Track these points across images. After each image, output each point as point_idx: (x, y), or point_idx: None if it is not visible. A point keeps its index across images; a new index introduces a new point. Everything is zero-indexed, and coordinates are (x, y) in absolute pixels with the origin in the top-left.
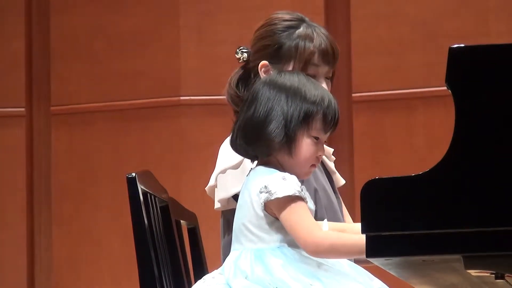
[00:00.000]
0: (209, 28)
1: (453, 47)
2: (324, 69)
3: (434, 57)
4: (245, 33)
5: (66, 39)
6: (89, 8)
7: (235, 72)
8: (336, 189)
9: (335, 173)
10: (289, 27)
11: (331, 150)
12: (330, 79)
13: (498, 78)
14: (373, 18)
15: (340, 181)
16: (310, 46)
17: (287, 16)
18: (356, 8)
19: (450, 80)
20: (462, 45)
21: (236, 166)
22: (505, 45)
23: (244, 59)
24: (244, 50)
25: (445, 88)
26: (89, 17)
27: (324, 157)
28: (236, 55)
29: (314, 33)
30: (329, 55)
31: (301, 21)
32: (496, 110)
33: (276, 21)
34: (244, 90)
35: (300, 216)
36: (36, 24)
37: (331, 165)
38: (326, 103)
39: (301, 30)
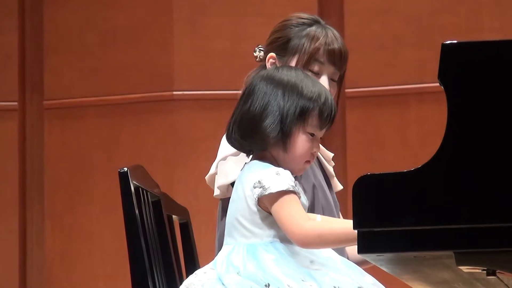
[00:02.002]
0: (202, 22)
1: (446, 43)
2: (329, 69)
3: (428, 53)
4: (238, 27)
5: (59, 33)
6: (82, 2)
7: (252, 71)
8: (334, 194)
9: (334, 177)
10: (302, 24)
11: (331, 155)
12: (336, 82)
13: (490, 74)
14: (367, 13)
15: (338, 186)
16: (316, 42)
17: (304, 15)
18: (350, 3)
19: (442, 76)
20: (455, 41)
21: (236, 153)
22: (497, 42)
23: (261, 58)
24: (261, 49)
25: (438, 84)
26: (82, 11)
27: (324, 160)
28: (254, 53)
29: (324, 31)
30: (335, 55)
31: (316, 21)
32: (488, 106)
33: (293, 18)
34: None
35: (290, 209)
36: (29, 18)
37: (330, 169)
38: (322, 100)
39: (313, 28)
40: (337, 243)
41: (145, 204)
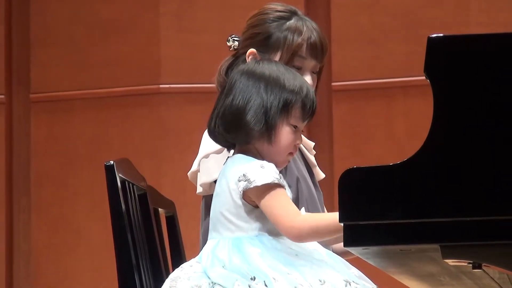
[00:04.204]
0: (189, 15)
1: (432, 37)
2: (310, 63)
3: (415, 46)
4: (226, 20)
5: (46, 26)
6: None
7: (225, 60)
8: (317, 182)
9: (316, 166)
10: (280, 18)
11: (312, 144)
12: (317, 73)
13: (476, 67)
14: (354, 6)
15: (320, 174)
16: (298, 38)
17: (279, 7)
18: None
19: (428, 70)
20: (441, 34)
21: (219, 151)
22: (483, 35)
23: (235, 47)
24: (235, 38)
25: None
26: (69, 4)
27: (305, 150)
28: (227, 42)
29: (305, 26)
30: (317, 49)
31: (293, 13)
32: (474, 99)
33: (269, 11)
34: None
35: (280, 203)
36: (16, 10)
37: (312, 158)
38: (304, 92)
39: (292, 22)
40: (329, 234)
41: (131, 197)
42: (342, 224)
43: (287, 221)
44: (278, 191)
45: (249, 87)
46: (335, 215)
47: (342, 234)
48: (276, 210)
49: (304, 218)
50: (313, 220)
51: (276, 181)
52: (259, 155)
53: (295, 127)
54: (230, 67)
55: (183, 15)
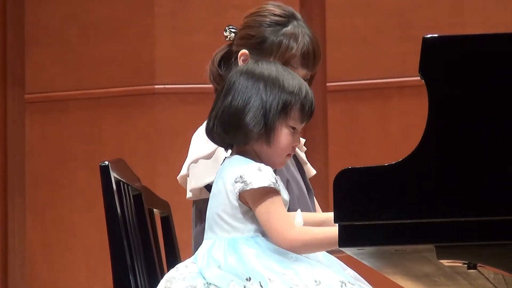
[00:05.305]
0: (184, 15)
1: (427, 37)
2: (301, 72)
3: (410, 46)
4: (221, 21)
5: (40, 26)
6: None
7: (220, 49)
8: (308, 180)
9: (306, 163)
10: (276, 23)
11: (303, 140)
12: (308, 80)
13: (471, 68)
14: (349, 7)
15: (311, 171)
16: (292, 47)
17: (278, 11)
18: None
19: (423, 70)
20: (436, 35)
21: (208, 156)
22: (478, 36)
23: (231, 39)
24: (232, 30)
25: (419, 77)
26: (63, 4)
27: None
28: (224, 32)
29: (300, 34)
30: (309, 59)
31: (291, 18)
32: (469, 100)
33: (266, 13)
34: (225, 69)
35: (274, 213)
36: (10, 10)
37: (302, 155)
38: (303, 93)
39: (288, 29)
40: (321, 248)
41: (126, 198)
42: (334, 239)
43: (280, 233)
44: (274, 198)
45: (248, 88)
46: (329, 230)
47: (332, 248)
48: (270, 220)
49: (297, 232)
50: (306, 235)
51: (272, 185)
52: (257, 156)
53: (294, 128)
54: (223, 58)
55: (177, 16)
